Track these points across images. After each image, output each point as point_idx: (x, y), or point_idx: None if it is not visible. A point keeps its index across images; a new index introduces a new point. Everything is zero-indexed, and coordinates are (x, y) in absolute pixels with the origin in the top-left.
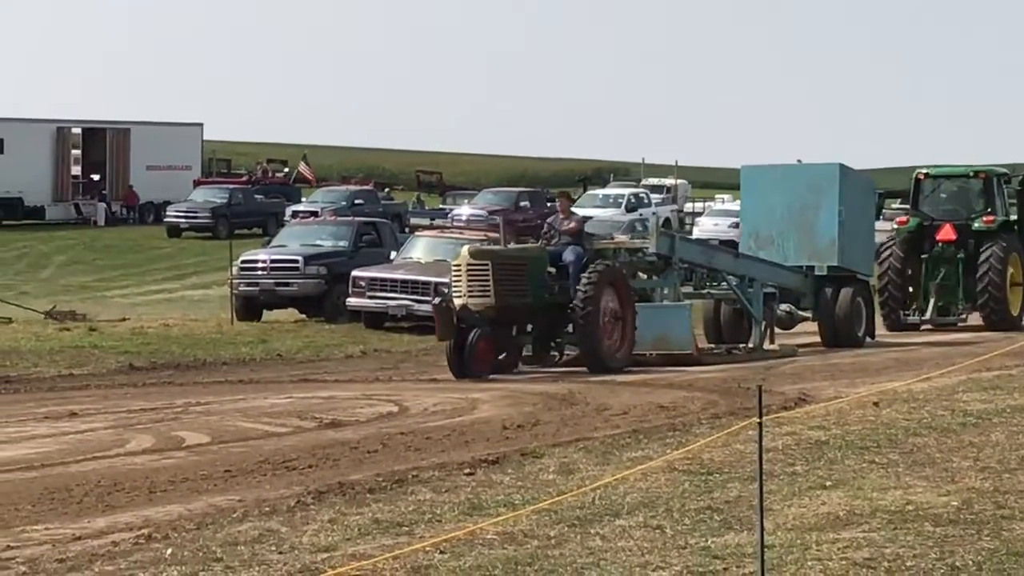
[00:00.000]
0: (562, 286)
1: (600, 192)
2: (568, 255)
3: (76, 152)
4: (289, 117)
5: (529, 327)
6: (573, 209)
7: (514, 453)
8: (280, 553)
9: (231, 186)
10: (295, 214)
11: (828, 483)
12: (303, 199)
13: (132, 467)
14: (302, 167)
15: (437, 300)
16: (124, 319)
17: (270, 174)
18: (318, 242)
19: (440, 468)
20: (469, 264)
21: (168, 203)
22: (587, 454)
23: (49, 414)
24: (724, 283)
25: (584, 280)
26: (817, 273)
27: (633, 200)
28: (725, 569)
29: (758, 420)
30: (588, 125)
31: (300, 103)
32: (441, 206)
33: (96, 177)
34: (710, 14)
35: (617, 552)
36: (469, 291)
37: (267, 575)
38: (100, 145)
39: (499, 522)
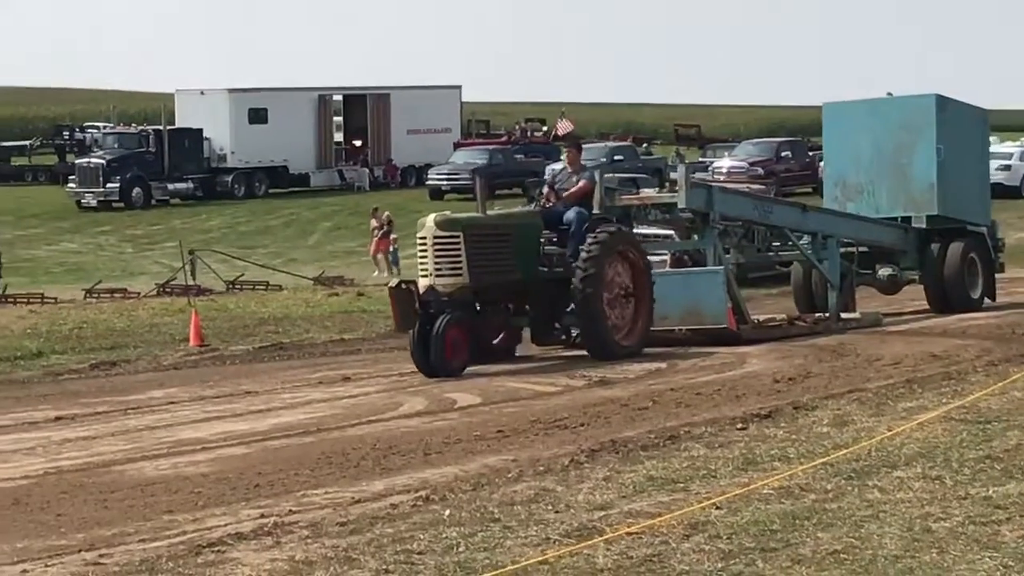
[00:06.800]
0: (564, 256)
1: None
2: (569, 215)
3: (338, 119)
4: (546, 75)
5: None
6: (585, 162)
7: (786, 406)
8: (556, 512)
9: (491, 147)
10: None
11: None
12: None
13: (406, 430)
14: (560, 124)
15: (394, 282)
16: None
17: (529, 133)
18: None
19: (712, 423)
20: (436, 236)
21: (429, 166)
22: (861, 405)
23: (323, 379)
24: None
25: (584, 252)
26: (916, 225)
27: None
28: (1008, 519)
29: None
30: (847, 69)
31: (556, 61)
32: (701, 159)
33: (358, 143)
34: None
35: (896, 504)
36: (436, 269)
37: (545, 534)
38: (361, 111)
39: (775, 476)
